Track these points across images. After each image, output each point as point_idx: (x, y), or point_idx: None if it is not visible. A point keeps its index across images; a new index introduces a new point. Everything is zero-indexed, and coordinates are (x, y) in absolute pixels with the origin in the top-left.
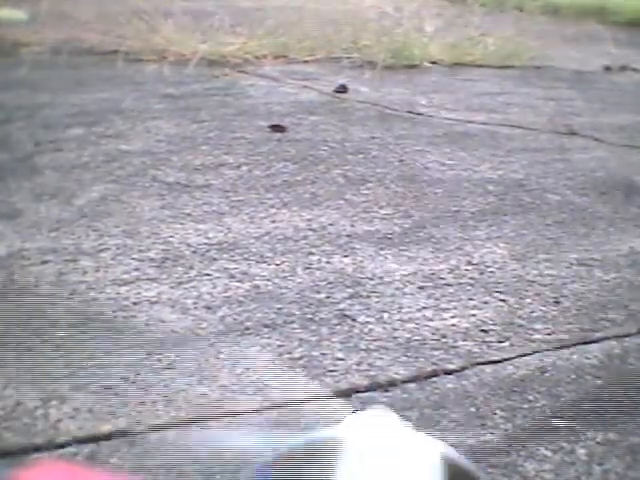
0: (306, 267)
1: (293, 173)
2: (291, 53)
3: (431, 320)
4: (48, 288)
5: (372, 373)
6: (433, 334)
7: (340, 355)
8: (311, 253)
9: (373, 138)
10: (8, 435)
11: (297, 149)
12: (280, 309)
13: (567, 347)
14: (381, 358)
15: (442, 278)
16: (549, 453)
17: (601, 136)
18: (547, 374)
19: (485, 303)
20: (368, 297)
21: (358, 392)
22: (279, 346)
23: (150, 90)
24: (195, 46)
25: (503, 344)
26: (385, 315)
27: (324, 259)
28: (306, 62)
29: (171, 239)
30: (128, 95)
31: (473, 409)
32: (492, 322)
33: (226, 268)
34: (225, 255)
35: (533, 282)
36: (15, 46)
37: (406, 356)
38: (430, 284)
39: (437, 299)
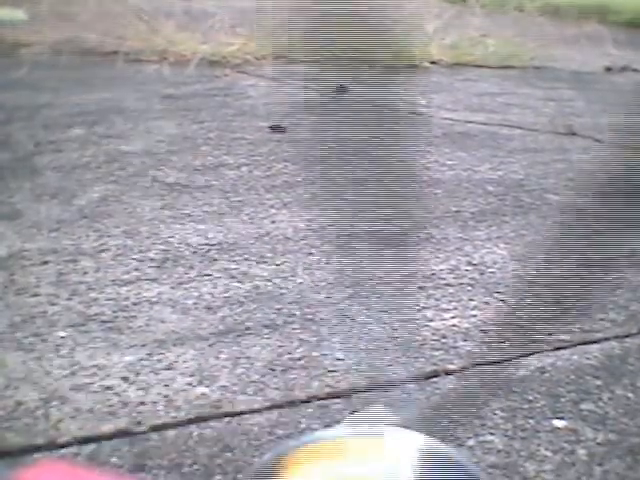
0: (306, 267)
1: (293, 173)
2: (291, 53)
3: (431, 320)
4: (48, 288)
5: (372, 373)
6: (433, 334)
7: (340, 355)
8: (311, 253)
9: (373, 138)
10: (9, 435)
11: (297, 149)
12: (280, 309)
13: (567, 347)
14: (381, 358)
15: (442, 278)
16: (549, 453)
17: (601, 137)
18: (547, 374)
19: (485, 304)
20: (368, 297)
21: (358, 392)
22: (279, 346)
23: (150, 90)
24: (195, 46)
25: (503, 344)
26: (385, 315)
27: (324, 259)
28: (306, 62)
29: (171, 239)
30: (128, 95)
31: (473, 409)
32: (492, 322)
33: (226, 268)
34: (225, 255)
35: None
36: (15, 46)
37: (406, 356)
38: (430, 284)
39: (437, 299)
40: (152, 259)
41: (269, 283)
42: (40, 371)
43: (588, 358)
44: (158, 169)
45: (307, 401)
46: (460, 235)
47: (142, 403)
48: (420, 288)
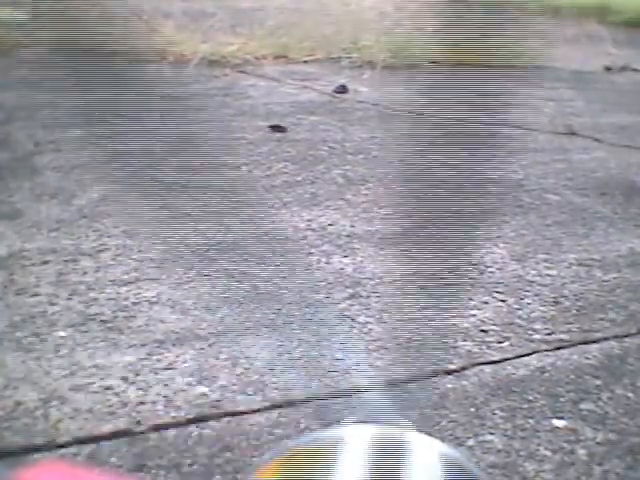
0: (306, 267)
1: (293, 173)
2: (291, 53)
3: (431, 320)
4: (48, 288)
5: (372, 373)
6: (433, 334)
7: (340, 355)
8: (311, 253)
9: (373, 138)
10: (8, 435)
11: (297, 149)
12: (280, 309)
13: (567, 347)
14: (381, 358)
15: (442, 278)
16: (549, 453)
17: (601, 136)
18: (546, 374)
19: (485, 303)
20: (368, 297)
21: (358, 392)
22: (279, 346)
23: (150, 90)
24: (195, 46)
25: (503, 344)
26: (385, 315)
27: (324, 259)
28: (306, 62)
29: (171, 239)
30: (127, 95)
31: (473, 409)
32: (492, 322)
33: (226, 268)
34: (225, 255)
35: (533, 282)
36: (15, 46)
37: (406, 356)
38: (430, 284)
39: (437, 299)
40: (151, 259)
41: (268, 283)
42: (40, 371)
43: (588, 358)
44: (157, 169)
45: (307, 401)
46: (459, 235)
47: (142, 403)
48: (421, 288)
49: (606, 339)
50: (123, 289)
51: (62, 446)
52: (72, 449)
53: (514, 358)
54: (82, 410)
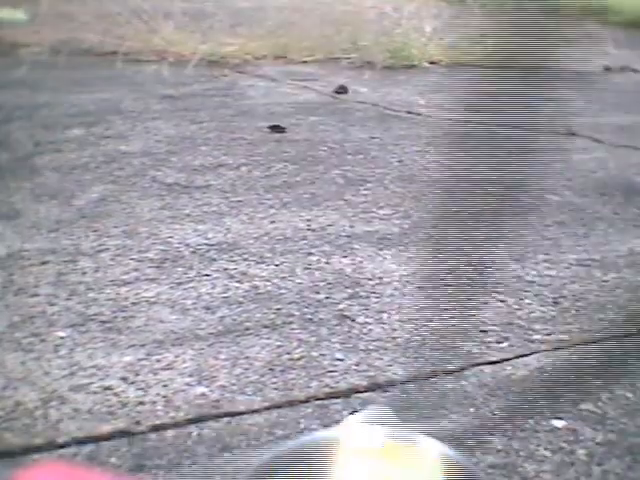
0: (305, 267)
1: (292, 174)
2: (290, 53)
3: (430, 321)
4: (47, 288)
5: (371, 373)
6: (432, 334)
7: (339, 355)
8: (310, 253)
9: (372, 138)
10: (8, 435)
11: (296, 150)
12: (279, 309)
13: (566, 347)
14: (380, 358)
15: (441, 278)
16: (548, 453)
17: (601, 136)
18: (546, 374)
19: (485, 303)
20: (367, 297)
21: (357, 392)
22: (278, 346)
23: (149, 91)
24: (194, 47)
25: (502, 344)
26: (384, 315)
27: (323, 259)
28: (305, 63)
29: (170, 239)
30: (127, 96)
31: (472, 409)
32: (492, 322)
33: (225, 268)
34: (224, 255)
35: (532, 282)
36: (15, 46)
37: (405, 356)
38: (429, 284)
39: (436, 299)
40: (151, 259)
41: (268, 283)
42: (39, 371)
43: (588, 358)
44: (157, 169)
45: (306, 401)
46: (460, 235)
47: (141, 403)
48: (419, 288)
49: (606, 339)
50: (122, 289)
51: (61, 446)
52: (71, 449)
53: (514, 358)
54: (82, 410)
